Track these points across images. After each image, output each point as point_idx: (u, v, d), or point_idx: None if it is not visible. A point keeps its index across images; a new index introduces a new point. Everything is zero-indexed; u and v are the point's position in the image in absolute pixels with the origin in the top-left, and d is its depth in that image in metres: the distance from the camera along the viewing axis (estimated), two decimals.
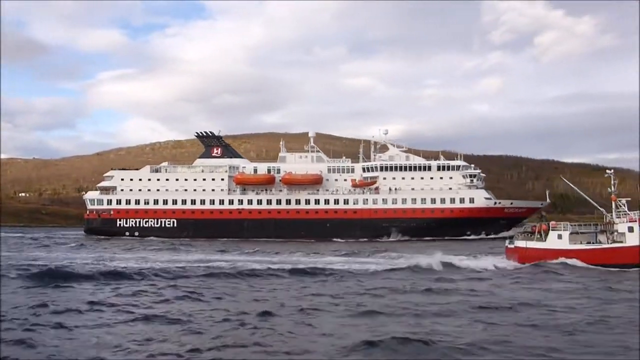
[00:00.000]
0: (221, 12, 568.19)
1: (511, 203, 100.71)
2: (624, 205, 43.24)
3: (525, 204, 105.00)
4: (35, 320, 19.52)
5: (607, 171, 47.09)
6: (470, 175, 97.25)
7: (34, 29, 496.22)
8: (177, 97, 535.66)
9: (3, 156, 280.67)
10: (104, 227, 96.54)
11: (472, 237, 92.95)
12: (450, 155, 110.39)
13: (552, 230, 44.28)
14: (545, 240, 44.09)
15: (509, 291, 29.17)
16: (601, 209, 45.63)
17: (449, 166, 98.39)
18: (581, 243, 43.44)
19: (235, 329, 18.83)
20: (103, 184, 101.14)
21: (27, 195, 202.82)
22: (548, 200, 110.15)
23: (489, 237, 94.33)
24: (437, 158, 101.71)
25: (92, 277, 32.04)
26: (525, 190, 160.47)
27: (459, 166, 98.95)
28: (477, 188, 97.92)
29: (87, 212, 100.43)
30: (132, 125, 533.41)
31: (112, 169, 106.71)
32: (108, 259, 47.57)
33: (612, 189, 44.36)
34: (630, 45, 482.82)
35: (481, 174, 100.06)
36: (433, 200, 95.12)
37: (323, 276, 34.82)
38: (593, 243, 43.28)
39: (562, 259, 42.08)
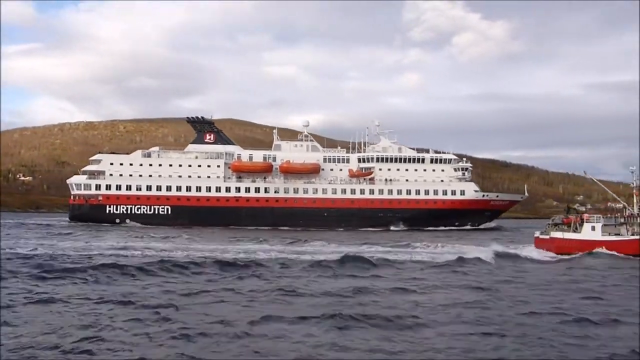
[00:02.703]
0: None
1: (497, 196, 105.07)
2: None
3: (508, 196, 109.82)
4: None
5: (631, 167, 50.14)
6: (462, 169, 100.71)
7: None
8: (90, 77, 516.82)
9: None
10: (92, 214, 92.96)
11: (463, 227, 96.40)
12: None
13: (586, 222, 46.77)
14: (580, 232, 46.67)
15: None
16: (623, 203, 48.78)
17: (441, 159, 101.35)
18: (609, 235, 46.34)
19: None
20: (89, 167, 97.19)
21: None
22: (526, 194, 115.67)
23: (473, 227, 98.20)
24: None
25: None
26: None
27: (451, 159, 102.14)
28: (467, 181, 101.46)
29: (72, 197, 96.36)
30: (39, 104, 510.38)
31: (99, 152, 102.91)
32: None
33: (635, 184, 47.39)
34: (537, 51, 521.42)
35: (471, 168, 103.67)
36: (427, 192, 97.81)
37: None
38: (618, 235, 46.30)
39: (598, 249, 44.62)
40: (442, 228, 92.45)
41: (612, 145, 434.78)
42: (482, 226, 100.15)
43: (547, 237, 48.67)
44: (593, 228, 46.12)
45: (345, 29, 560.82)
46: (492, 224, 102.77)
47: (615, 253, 43.75)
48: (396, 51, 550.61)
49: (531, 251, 45.24)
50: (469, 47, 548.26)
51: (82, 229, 72.67)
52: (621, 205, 48.93)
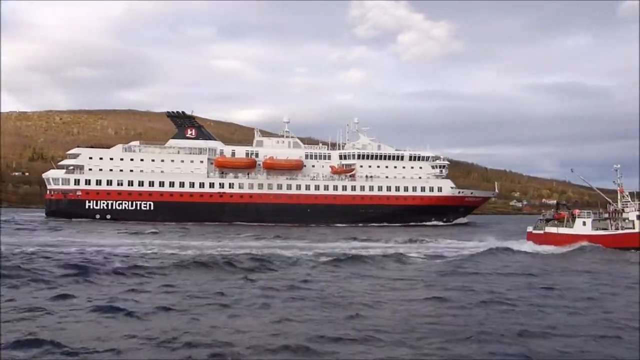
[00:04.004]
0: None
1: (471, 193, 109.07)
2: (629, 196, 50.22)
3: (481, 193, 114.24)
4: None
5: (615, 165, 53.68)
6: (440, 166, 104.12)
7: None
8: (24, 65, 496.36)
9: None
10: (71, 209, 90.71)
11: (439, 224, 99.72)
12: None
13: (578, 218, 50.04)
14: (572, 227, 49.86)
15: None
16: (608, 199, 52.34)
17: (419, 156, 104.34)
18: (597, 229, 49.72)
19: None
20: (67, 162, 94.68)
21: None
22: (497, 190, 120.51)
23: (447, 223, 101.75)
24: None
25: None
26: None
27: (428, 157, 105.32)
28: (443, 178, 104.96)
29: (49, 192, 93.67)
30: None
31: (78, 146, 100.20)
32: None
33: (618, 181, 50.95)
34: (477, 51, 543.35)
35: (448, 165, 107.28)
36: (406, 189, 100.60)
37: None
38: (605, 229, 49.70)
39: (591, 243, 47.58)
40: (418, 223, 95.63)
41: (548, 144, 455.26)
42: (456, 221, 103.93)
43: (541, 232, 51.66)
44: (584, 223, 49.39)
45: (291, 24, 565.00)
46: (465, 220, 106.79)
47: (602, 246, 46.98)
48: (342, 48, 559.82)
49: (526, 245, 48.10)
50: (412, 46, 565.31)
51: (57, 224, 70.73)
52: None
